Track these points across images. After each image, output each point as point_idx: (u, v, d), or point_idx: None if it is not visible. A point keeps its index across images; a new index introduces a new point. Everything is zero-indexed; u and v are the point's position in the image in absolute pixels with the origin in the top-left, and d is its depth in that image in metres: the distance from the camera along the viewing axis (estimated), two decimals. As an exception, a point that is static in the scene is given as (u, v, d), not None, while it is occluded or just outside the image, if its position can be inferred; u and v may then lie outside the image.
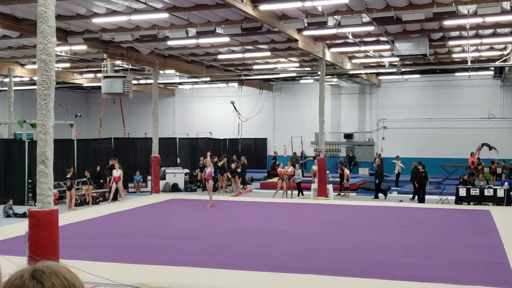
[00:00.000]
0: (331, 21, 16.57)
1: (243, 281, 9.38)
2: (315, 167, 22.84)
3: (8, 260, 8.69)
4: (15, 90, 25.62)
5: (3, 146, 20.60)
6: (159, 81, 25.25)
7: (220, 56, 23.24)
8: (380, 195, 21.99)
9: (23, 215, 16.10)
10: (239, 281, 9.36)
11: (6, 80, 25.37)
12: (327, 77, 26.35)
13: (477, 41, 20.40)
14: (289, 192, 22.23)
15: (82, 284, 1.26)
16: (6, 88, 25.74)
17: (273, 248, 12.04)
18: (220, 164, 24.09)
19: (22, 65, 25.32)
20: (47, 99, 8.61)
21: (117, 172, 20.37)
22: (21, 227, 12.38)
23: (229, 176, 24.37)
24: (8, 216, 16.90)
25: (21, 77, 26.76)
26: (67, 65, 25.20)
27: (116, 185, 20.38)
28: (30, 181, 19.21)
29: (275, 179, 27.40)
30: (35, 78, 19.74)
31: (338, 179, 23.00)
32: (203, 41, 19.08)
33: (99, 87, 21.80)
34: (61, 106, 27.68)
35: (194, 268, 10.10)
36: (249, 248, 12.07)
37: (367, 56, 24.72)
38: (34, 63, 23.35)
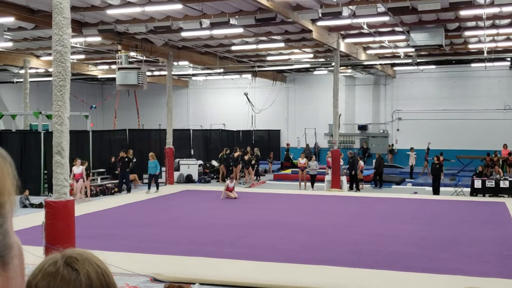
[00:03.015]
0: (345, 11, 16.45)
1: (257, 272, 9.41)
2: (329, 159, 22.76)
3: (25, 250, 8.71)
4: (30, 81, 25.83)
5: (19, 137, 20.79)
6: (173, 73, 25.29)
7: (233, 48, 23.20)
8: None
9: (40, 206, 16.28)
10: (252, 272, 9.39)
11: (22, 71, 25.58)
12: (341, 68, 26.20)
13: (494, 31, 20.12)
14: (302, 183, 22.21)
15: (111, 272, 1.26)
16: (21, 80, 25.97)
17: (287, 239, 12.05)
18: (235, 156, 24.16)
19: (38, 56, 25.50)
20: (62, 90, 8.66)
21: (78, 169, 17.83)
22: (37, 217, 12.51)
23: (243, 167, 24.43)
24: (25, 206, 17.09)
25: (37, 68, 26.95)
26: (82, 56, 25.32)
27: (80, 183, 17.93)
28: (46, 171, 19.39)
29: (288, 171, 27.45)
30: (50, 69, 19.88)
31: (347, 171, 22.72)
32: (216, 32, 19.05)
33: (113, 79, 21.87)
34: (76, 98, 27.85)
35: (208, 258, 10.15)
36: (262, 239, 12.09)
37: (382, 47, 24.52)
38: (49, 54, 23.50)
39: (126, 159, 20.65)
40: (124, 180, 20.72)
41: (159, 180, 23.82)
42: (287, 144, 32.55)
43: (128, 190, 20.63)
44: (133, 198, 18.82)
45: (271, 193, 20.68)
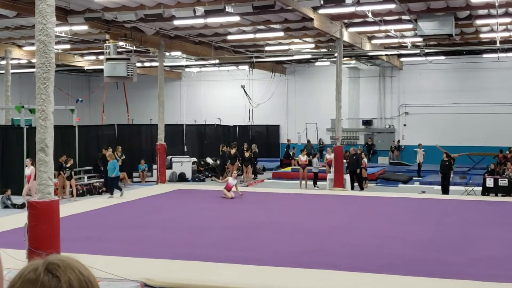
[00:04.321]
0: (349, -1, 16.44)
1: (254, 277, 9.43)
2: (329, 156, 22.83)
3: (6, 254, 8.80)
4: (12, 73, 25.76)
5: (0, 133, 20.77)
6: (164, 64, 25.25)
7: (229, 37, 23.17)
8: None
9: (22, 206, 16.28)
10: (249, 277, 9.41)
11: (3, 62, 25.52)
12: (345, 59, 26.18)
13: (507, 19, 20.12)
14: (303, 182, 22.25)
15: (96, 279, 1.27)
16: (3, 71, 25.91)
17: (286, 242, 12.07)
18: (232, 152, 24.18)
19: (20, 46, 25.43)
20: (46, 83, 8.65)
21: (28, 170, 17.44)
22: (20, 218, 12.51)
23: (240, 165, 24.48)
24: (6, 207, 17.09)
25: (19, 59, 26.89)
26: (67, 46, 25.27)
27: (31, 184, 16.70)
28: (29, 170, 19.36)
29: (288, 169, 27.49)
30: (33, 60, 19.82)
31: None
32: (211, 20, 19.01)
33: (101, 70, 21.85)
34: (61, 91, 27.81)
35: (202, 262, 10.17)
36: (259, 241, 12.11)
37: (388, 37, 24.52)
38: (32, 44, 23.45)
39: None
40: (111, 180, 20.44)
41: (150, 179, 23.90)
42: (288, 140, 32.59)
43: (114, 190, 19.94)
44: (121, 199, 18.80)
45: (269, 192, 20.71)
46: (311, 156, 25.46)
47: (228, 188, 18.89)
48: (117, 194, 18.85)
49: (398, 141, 31.52)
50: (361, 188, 21.71)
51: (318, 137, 32.54)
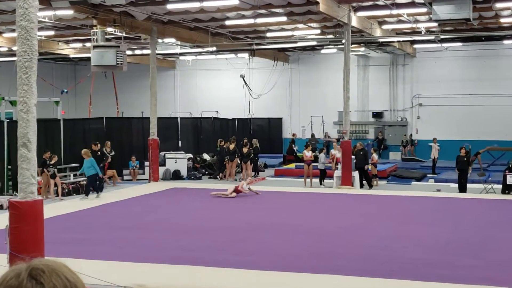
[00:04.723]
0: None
1: (255, 283, 9.45)
2: (334, 152, 22.84)
3: (-14, 257, 8.82)
4: (-8, 62, 25.77)
5: (-21, 127, 20.78)
6: (157, 52, 25.24)
7: (227, 22, 23.14)
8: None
9: (1, 207, 16.30)
10: (248, 283, 9.43)
11: (-18, 51, 25.53)
12: (353, 46, 26.16)
13: (530, 2, 20.10)
14: (307, 180, 22.26)
15: (84, 285, 1.27)
16: (-19, 60, 25.91)
17: (289, 244, 12.10)
18: (231, 148, 24.21)
19: (0, 33, 25.42)
20: (28, 73, 8.64)
21: None
22: (0, 219, 12.52)
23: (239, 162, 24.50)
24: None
25: (-1, 47, 26.90)
26: (51, 33, 25.24)
27: None
28: (10, 167, 19.38)
29: (292, 165, 27.51)
30: (14, 48, 19.79)
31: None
32: (208, 4, 18.98)
33: (88, 59, 21.83)
34: (45, 81, 27.78)
35: (198, 267, 10.19)
36: (261, 244, 12.14)
37: (400, 21, 24.47)
38: (13, 30, 23.42)
39: (99, 153, 20.43)
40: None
41: (142, 177, 23.90)
42: (294, 135, 32.54)
43: (100, 190, 19.45)
44: (111, 198, 18.83)
45: (271, 191, 20.73)
46: (316, 151, 25.47)
47: (237, 191, 18.84)
48: (93, 195, 18.67)
49: (411, 135, 31.52)
50: (370, 187, 21.73)
51: (324, 131, 32.56)
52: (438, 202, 18.19)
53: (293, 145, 30.95)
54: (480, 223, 14.64)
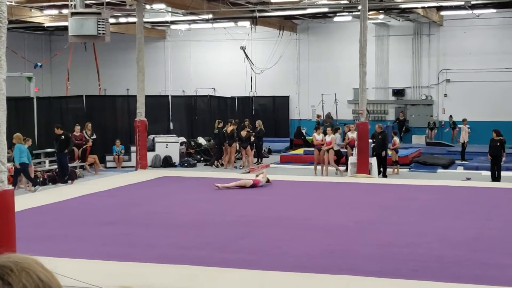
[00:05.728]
0: None
1: (258, 284, 9.47)
2: (350, 134, 22.81)
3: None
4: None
5: None
6: (144, 20, 25.14)
7: (226, -14, 23.03)
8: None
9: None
10: (252, 284, 9.45)
11: None
12: (371, 13, 26.02)
13: None
14: (318, 168, 22.24)
15: (60, 285, 1.26)
16: None
17: (297, 241, 12.11)
18: (228, 130, 24.16)
19: (-37, -1, 25.35)
20: (-4, 44, 8.61)
21: None
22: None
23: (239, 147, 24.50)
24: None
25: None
26: (23, -2, 25.18)
27: None
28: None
29: (300, 151, 27.50)
30: (-20, 16, 19.72)
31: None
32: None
33: (65, 28, 21.76)
34: (16, 53, 27.74)
35: (194, 266, 10.20)
36: (265, 241, 12.15)
37: (424, -16, 24.36)
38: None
39: (62, 137, 20.17)
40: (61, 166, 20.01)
41: (128, 164, 23.90)
42: (318, 116, 31.81)
43: (69, 179, 19.64)
44: (93, 188, 18.85)
45: (277, 180, 20.73)
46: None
47: (257, 183, 18.73)
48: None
49: (451, 116, 31.05)
50: (384, 175, 21.67)
51: (337, 111, 32.50)
52: (467, 192, 18.18)
53: (301, 128, 30.93)
54: (516, 216, 14.65)
